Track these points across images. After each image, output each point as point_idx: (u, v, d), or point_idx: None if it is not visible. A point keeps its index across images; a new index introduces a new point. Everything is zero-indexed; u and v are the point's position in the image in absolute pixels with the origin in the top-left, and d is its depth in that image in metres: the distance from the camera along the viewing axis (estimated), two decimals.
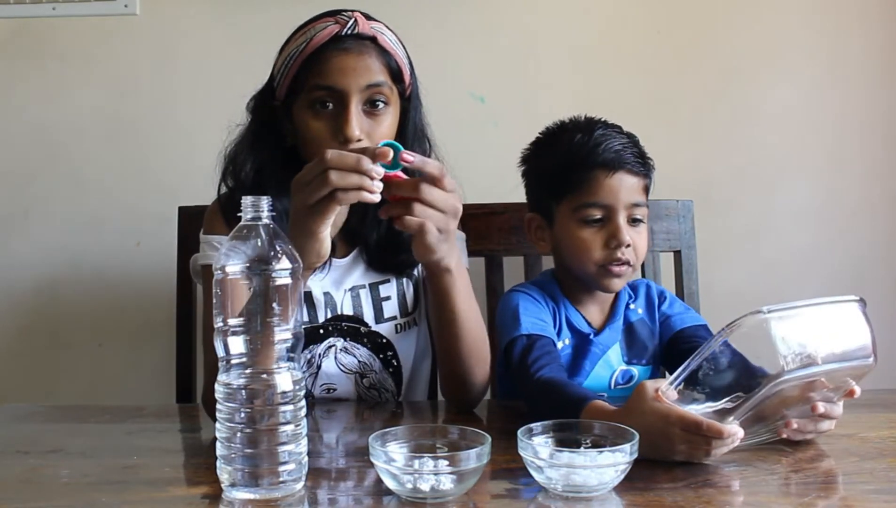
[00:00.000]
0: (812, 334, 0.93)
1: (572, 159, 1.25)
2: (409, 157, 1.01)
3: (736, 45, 1.77)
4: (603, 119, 1.31)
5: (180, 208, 1.59)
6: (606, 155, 1.23)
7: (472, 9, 1.77)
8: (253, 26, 1.75)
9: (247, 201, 0.88)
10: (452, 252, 1.09)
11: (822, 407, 0.98)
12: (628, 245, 1.22)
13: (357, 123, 1.16)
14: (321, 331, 1.29)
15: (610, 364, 1.29)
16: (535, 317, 1.24)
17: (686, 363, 0.94)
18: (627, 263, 1.24)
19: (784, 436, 1.01)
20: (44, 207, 1.79)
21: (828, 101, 1.78)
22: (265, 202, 0.87)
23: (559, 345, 1.25)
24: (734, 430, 0.92)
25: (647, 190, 1.27)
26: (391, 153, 0.99)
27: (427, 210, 1.01)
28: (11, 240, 1.79)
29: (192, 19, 1.77)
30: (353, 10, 1.20)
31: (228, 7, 1.76)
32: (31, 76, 1.78)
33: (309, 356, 1.29)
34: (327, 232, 1.02)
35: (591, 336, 1.28)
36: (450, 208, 1.03)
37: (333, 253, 1.28)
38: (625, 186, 1.23)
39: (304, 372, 1.28)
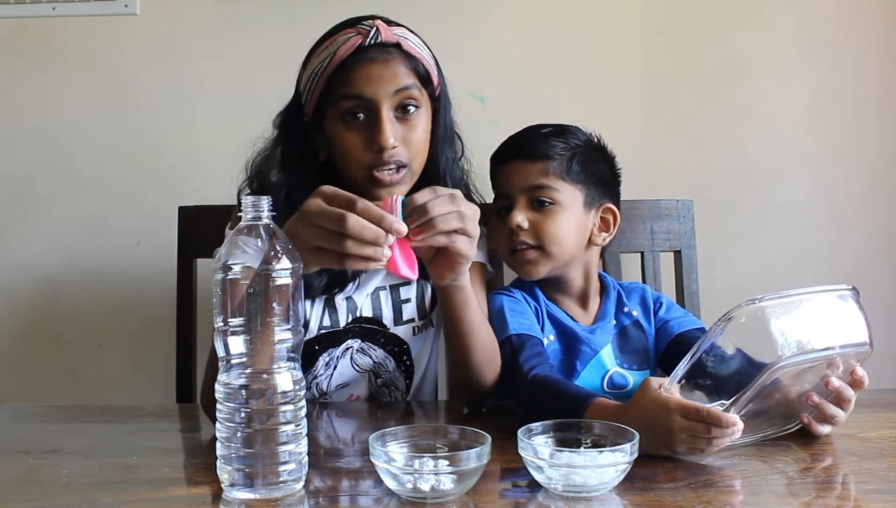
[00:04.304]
0: (807, 321, 0.94)
1: (500, 149, 1.35)
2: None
3: (736, 45, 1.77)
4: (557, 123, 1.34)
5: (180, 208, 1.59)
6: (501, 150, 1.34)
7: (472, 9, 1.77)
8: (253, 26, 1.75)
9: (247, 201, 0.88)
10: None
11: (836, 382, 0.99)
12: (520, 227, 1.26)
13: (390, 131, 1.15)
14: (340, 334, 1.29)
15: (602, 365, 1.29)
16: (520, 317, 1.25)
17: (686, 357, 0.94)
18: (529, 246, 1.26)
19: (804, 421, 1.02)
20: (44, 207, 1.79)
21: (828, 100, 1.78)
22: (265, 202, 0.87)
23: (545, 341, 1.27)
24: (734, 419, 0.92)
25: (557, 174, 1.27)
26: (406, 230, 0.96)
27: (447, 222, 0.98)
28: (11, 240, 1.79)
29: (192, 19, 1.77)
30: (373, 18, 1.19)
31: (228, 7, 1.76)
32: (31, 76, 1.78)
33: (328, 359, 1.29)
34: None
35: (579, 333, 1.29)
36: (467, 211, 1.00)
37: None
38: (518, 173, 1.28)
39: (321, 375, 1.29)
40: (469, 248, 1.02)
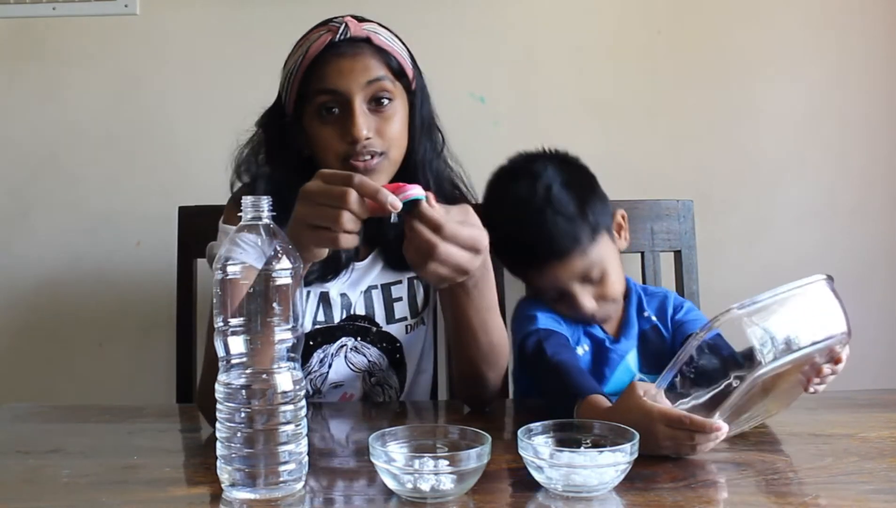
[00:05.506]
0: (785, 322, 0.94)
1: (519, 255, 1.30)
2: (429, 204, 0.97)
3: (736, 45, 1.77)
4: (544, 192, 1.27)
5: (180, 208, 1.59)
6: (525, 255, 1.28)
7: (472, 9, 1.76)
8: (253, 26, 1.75)
9: (247, 201, 0.88)
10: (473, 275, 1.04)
11: (827, 369, 1.02)
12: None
13: (363, 123, 1.17)
14: (335, 331, 1.30)
15: (628, 369, 1.30)
16: (551, 320, 1.27)
17: (669, 365, 0.95)
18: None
19: (811, 390, 1.04)
20: (44, 207, 1.79)
21: (828, 100, 1.78)
22: (265, 202, 0.88)
23: (579, 351, 1.28)
24: (718, 425, 0.92)
25: (589, 248, 1.26)
26: (399, 207, 0.95)
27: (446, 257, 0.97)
28: (12, 240, 1.79)
29: (192, 19, 1.77)
30: (343, 16, 1.21)
31: (228, 7, 1.76)
32: (31, 76, 1.78)
33: (322, 356, 1.29)
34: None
35: (607, 343, 1.30)
36: (469, 248, 0.98)
37: (355, 257, 1.30)
38: (560, 271, 1.26)
39: (315, 371, 1.29)
40: (442, 279, 1.00)
